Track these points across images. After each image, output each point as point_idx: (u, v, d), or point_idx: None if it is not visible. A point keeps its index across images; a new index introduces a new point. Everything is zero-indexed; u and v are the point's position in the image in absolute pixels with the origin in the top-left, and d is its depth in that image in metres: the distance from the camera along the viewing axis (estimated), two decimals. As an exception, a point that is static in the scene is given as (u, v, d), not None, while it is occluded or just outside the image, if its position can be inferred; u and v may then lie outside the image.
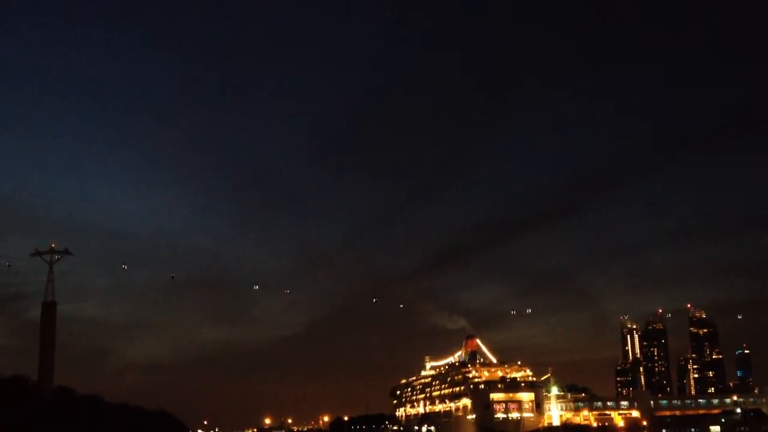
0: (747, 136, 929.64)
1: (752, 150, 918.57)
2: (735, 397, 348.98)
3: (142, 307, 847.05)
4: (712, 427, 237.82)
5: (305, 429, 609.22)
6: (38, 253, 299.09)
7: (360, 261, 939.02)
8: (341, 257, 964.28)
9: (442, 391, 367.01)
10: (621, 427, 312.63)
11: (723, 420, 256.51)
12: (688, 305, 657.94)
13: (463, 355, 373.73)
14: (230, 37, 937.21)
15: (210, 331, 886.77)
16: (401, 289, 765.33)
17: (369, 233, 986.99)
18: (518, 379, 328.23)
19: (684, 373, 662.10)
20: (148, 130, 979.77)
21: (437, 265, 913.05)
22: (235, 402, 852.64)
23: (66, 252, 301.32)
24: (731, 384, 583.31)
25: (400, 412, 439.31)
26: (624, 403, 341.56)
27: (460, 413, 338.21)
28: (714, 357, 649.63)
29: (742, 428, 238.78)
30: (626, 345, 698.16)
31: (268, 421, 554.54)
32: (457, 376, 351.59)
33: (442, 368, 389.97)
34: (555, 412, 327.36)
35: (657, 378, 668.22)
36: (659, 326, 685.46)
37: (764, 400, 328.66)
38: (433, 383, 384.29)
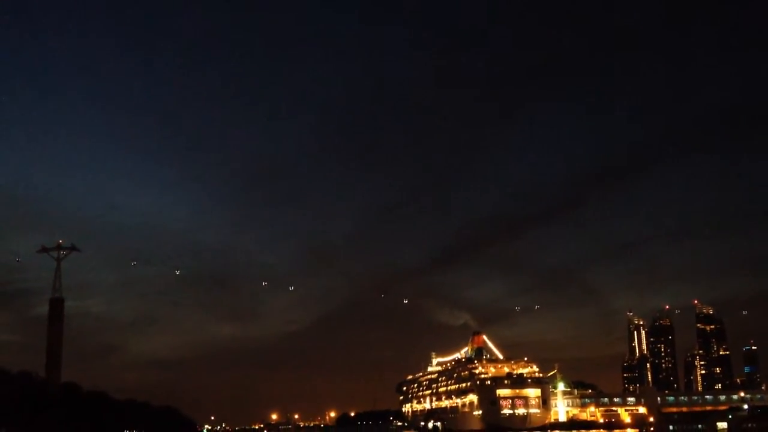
0: (753, 133, 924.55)
1: (759, 145, 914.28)
2: (742, 394, 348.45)
3: (149, 304, 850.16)
4: (719, 424, 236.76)
5: (312, 425, 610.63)
6: (45, 250, 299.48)
7: (366, 257, 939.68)
8: (347, 254, 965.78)
9: (449, 387, 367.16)
10: (627, 424, 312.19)
11: (730, 416, 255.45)
12: (695, 301, 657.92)
13: (470, 351, 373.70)
14: (235, 35, 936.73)
15: (217, 328, 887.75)
16: (407, 285, 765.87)
17: (374, 230, 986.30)
18: (525, 375, 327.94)
19: (691, 369, 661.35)
20: (155, 127, 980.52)
21: (443, 261, 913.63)
22: (242, 398, 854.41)
23: (73, 248, 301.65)
24: (738, 380, 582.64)
25: (407, 408, 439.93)
26: (631, 399, 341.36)
27: (466, 409, 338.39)
28: (721, 353, 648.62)
29: (750, 424, 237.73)
30: (633, 341, 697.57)
31: (274, 416, 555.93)
32: (464, 372, 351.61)
33: (448, 364, 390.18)
34: (561, 408, 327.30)
35: (664, 374, 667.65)
36: (666, 322, 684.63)
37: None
38: (440, 379, 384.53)
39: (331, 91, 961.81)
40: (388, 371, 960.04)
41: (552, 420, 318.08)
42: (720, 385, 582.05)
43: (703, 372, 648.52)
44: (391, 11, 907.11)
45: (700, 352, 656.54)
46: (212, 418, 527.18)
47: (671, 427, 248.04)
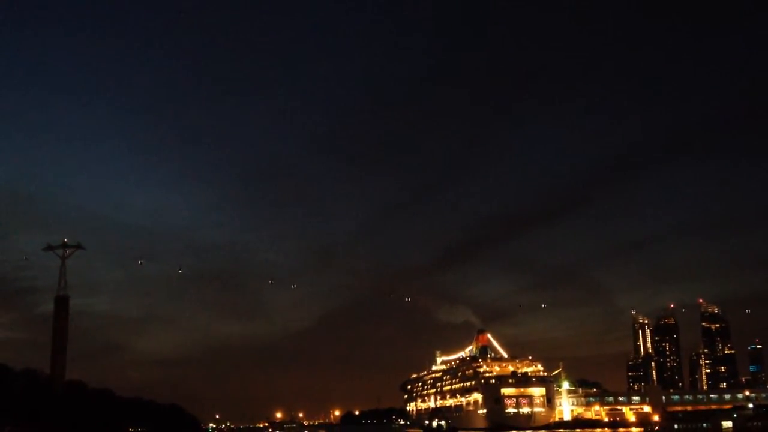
0: (759, 132, 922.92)
1: (765, 145, 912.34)
2: (747, 392, 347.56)
3: (154, 302, 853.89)
4: (724, 423, 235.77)
5: (316, 423, 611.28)
6: (50, 248, 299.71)
7: (370, 256, 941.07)
8: (351, 252, 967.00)
9: (453, 386, 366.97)
10: (632, 422, 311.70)
11: (735, 415, 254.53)
12: (700, 300, 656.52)
13: (474, 349, 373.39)
14: (239, 34, 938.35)
15: (221, 326, 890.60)
16: (411, 284, 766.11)
17: (379, 228, 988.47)
18: (529, 374, 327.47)
19: (696, 368, 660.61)
20: (159, 126, 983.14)
21: (447, 260, 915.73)
22: (246, 396, 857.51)
23: (78, 246, 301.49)
24: (743, 379, 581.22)
25: (411, 407, 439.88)
26: (635, 398, 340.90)
27: (471, 408, 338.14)
28: (726, 352, 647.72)
29: (755, 423, 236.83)
30: (638, 340, 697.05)
31: (279, 415, 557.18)
32: (468, 370, 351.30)
33: (453, 363, 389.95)
34: (566, 406, 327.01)
35: (669, 373, 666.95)
36: (671, 321, 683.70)
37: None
38: (444, 378, 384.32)
39: (336, 90, 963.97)
40: (392, 370, 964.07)
41: (557, 419, 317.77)
42: (725, 383, 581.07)
43: (708, 371, 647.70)
44: (395, 10, 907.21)
45: (705, 350, 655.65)
46: (217, 416, 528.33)
47: (676, 426, 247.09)
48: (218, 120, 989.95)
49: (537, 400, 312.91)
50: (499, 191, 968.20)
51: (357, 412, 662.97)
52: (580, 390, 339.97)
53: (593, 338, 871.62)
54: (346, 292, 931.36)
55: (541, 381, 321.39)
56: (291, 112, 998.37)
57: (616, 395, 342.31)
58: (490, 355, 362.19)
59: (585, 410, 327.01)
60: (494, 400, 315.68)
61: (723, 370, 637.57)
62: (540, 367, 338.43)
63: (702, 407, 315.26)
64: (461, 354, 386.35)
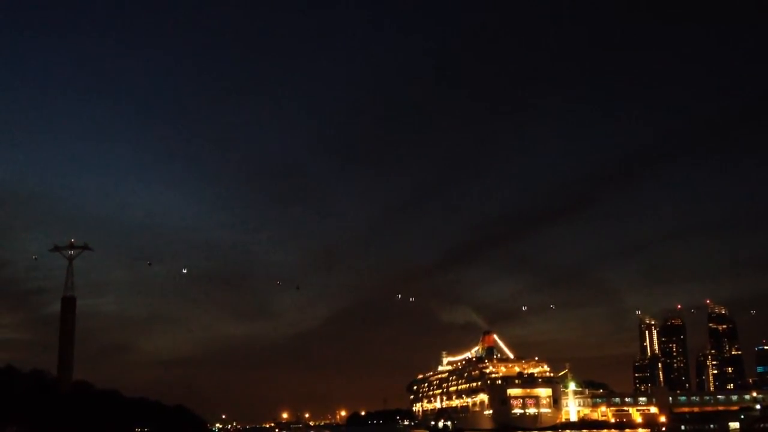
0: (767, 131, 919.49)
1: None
2: (755, 394, 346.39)
3: (161, 302, 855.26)
4: (731, 424, 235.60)
5: (323, 423, 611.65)
6: (57, 249, 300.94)
7: (376, 256, 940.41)
8: (357, 253, 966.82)
9: (459, 387, 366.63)
10: (639, 424, 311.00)
11: (742, 416, 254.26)
12: (707, 301, 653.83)
13: (480, 350, 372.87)
14: (245, 34, 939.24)
15: (228, 327, 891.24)
16: (417, 284, 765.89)
17: (385, 229, 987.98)
18: (535, 375, 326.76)
19: (703, 369, 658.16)
20: (166, 127, 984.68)
21: (453, 260, 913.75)
22: (253, 397, 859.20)
23: (85, 247, 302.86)
24: (751, 380, 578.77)
25: (417, 407, 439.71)
26: (642, 399, 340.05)
27: (477, 408, 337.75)
28: (733, 353, 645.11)
29: (762, 424, 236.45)
30: (644, 341, 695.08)
31: (285, 415, 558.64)
32: (474, 371, 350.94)
33: (459, 363, 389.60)
34: (572, 407, 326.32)
35: (675, 374, 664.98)
36: (678, 322, 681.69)
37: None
38: (450, 378, 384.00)
39: (341, 90, 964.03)
40: (398, 370, 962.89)
41: (563, 420, 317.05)
42: (732, 385, 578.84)
43: (715, 372, 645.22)
44: (398, 9, 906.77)
45: (712, 351, 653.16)
46: (223, 416, 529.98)
47: (683, 427, 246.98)
48: (223, 120, 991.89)
49: (543, 401, 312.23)
50: (505, 191, 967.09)
51: (363, 413, 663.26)
52: (587, 391, 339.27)
53: (600, 339, 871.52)
54: (351, 293, 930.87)
55: (547, 382, 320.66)
56: (296, 112, 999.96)
57: (622, 396, 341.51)
58: (497, 355, 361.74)
59: (591, 411, 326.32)
60: (500, 401, 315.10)
61: (730, 371, 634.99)
62: (546, 367, 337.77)
63: (709, 408, 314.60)
64: (467, 355, 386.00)
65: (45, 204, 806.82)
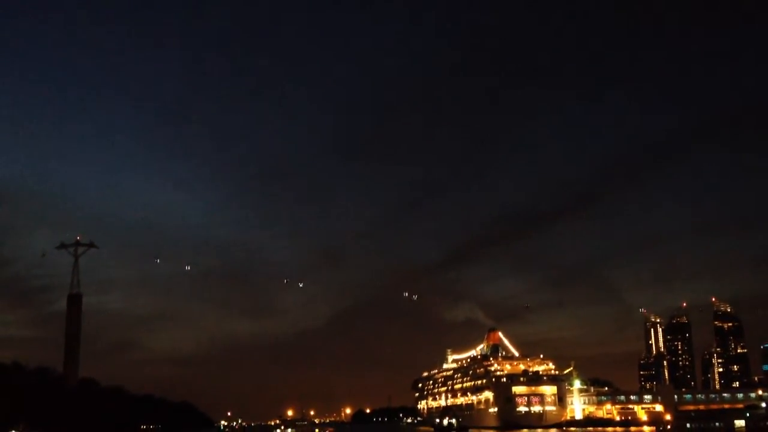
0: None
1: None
2: (760, 392, 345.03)
3: (166, 300, 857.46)
4: (736, 422, 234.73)
5: (327, 421, 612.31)
6: (64, 246, 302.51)
7: (381, 254, 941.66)
8: (362, 250, 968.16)
9: (464, 384, 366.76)
10: (644, 422, 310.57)
11: (748, 414, 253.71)
12: (713, 299, 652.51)
13: (485, 348, 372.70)
14: (250, 32, 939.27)
15: (233, 324, 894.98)
16: (422, 282, 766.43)
17: (390, 226, 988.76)
18: (540, 373, 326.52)
19: (708, 367, 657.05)
20: (173, 123, 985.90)
21: (458, 258, 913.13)
22: (258, 394, 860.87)
23: (91, 245, 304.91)
24: (756, 378, 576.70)
25: (422, 405, 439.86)
26: (647, 397, 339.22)
27: (482, 406, 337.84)
28: (739, 351, 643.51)
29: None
30: (650, 339, 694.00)
31: (290, 412, 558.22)
32: (479, 369, 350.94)
33: (464, 361, 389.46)
34: (577, 405, 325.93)
35: (681, 372, 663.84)
36: (683, 320, 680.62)
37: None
38: (455, 376, 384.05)
39: (345, 88, 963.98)
40: (403, 368, 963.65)
41: (568, 417, 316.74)
42: (737, 383, 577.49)
43: (721, 370, 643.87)
44: (404, 6, 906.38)
45: (718, 349, 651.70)
46: (228, 413, 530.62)
47: (688, 425, 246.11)
48: (228, 119, 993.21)
49: (548, 399, 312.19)
50: (509, 190, 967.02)
51: (368, 411, 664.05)
52: (592, 389, 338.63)
53: (605, 337, 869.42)
54: (356, 291, 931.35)
55: (552, 380, 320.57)
56: (301, 111, 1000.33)
57: (627, 394, 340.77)
58: (502, 353, 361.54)
59: (596, 409, 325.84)
60: (505, 399, 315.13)
61: (736, 369, 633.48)
62: (551, 365, 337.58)
63: (714, 406, 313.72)
64: (472, 352, 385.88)
65: (50, 202, 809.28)
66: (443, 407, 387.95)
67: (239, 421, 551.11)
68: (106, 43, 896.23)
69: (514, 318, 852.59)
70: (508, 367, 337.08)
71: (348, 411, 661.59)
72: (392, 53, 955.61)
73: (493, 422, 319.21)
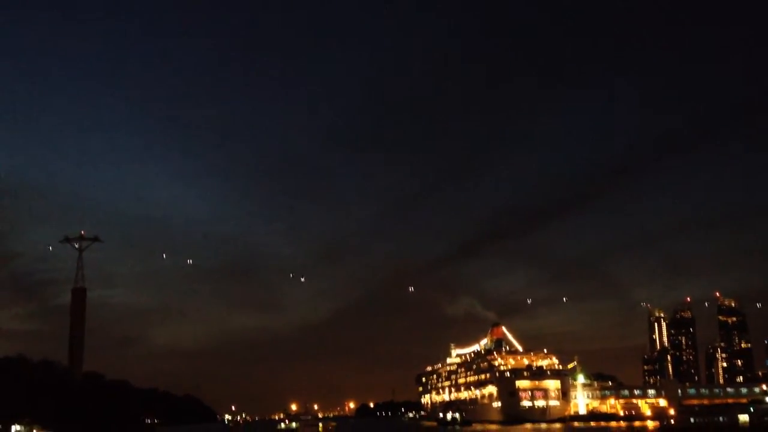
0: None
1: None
2: (764, 386, 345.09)
3: (171, 294, 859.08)
4: (740, 416, 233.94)
5: (331, 415, 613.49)
6: (68, 240, 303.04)
7: (385, 249, 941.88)
8: (366, 245, 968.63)
9: (468, 379, 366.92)
10: (648, 416, 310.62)
11: (752, 409, 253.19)
12: (717, 293, 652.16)
13: (489, 342, 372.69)
14: (255, 30, 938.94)
15: (238, 318, 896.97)
16: (426, 277, 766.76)
17: (394, 221, 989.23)
18: (544, 367, 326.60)
19: (712, 361, 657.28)
20: (177, 120, 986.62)
21: (462, 253, 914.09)
22: (262, 388, 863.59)
23: (95, 239, 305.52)
24: (760, 373, 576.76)
25: (426, 399, 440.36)
26: (651, 391, 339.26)
27: (485, 401, 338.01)
28: (743, 346, 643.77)
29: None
30: (653, 333, 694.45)
31: (294, 407, 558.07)
32: (483, 363, 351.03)
33: (467, 356, 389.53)
34: (581, 400, 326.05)
35: (685, 367, 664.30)
36: (687, 314, 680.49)
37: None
38: (459, 371, 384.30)
39: (349, 84, 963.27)
40: (407, 362, 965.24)
41: (572, 412, 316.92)
42: (741, 377, 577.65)
43: (725, 365, 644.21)
44: (405, 4, 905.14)
45: (722, 344, 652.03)
46: (233, 408, 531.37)
47: (692, 420, 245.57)
48: (235, 115, 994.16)
49: (552, 394, 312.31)
50: (514, 184, 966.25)
51: (372, 405, 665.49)
52: (596, 383, 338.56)
53: (609, 331, 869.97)
54: (361, 285, 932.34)
55: (556, 374, 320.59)
56: (305, 105, 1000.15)
57: (631, 389, 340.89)
58: (505, 348, 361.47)
59: (600, 403, 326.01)
60: (509, 393, 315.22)
61: (739, 363, 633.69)
62: (555, 360, 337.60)
63: (718, 401, 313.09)
64: (476, 347, 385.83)
65: (55, 196, 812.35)
66: (447, 401, 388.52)
67: (243, 415, 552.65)
68: (111, 39, 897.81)
69: (518, 312, 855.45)
70: (511, 362, 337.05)
71: (352, 405, 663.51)
72: (397, 49, 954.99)
73: (496, 417, 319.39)
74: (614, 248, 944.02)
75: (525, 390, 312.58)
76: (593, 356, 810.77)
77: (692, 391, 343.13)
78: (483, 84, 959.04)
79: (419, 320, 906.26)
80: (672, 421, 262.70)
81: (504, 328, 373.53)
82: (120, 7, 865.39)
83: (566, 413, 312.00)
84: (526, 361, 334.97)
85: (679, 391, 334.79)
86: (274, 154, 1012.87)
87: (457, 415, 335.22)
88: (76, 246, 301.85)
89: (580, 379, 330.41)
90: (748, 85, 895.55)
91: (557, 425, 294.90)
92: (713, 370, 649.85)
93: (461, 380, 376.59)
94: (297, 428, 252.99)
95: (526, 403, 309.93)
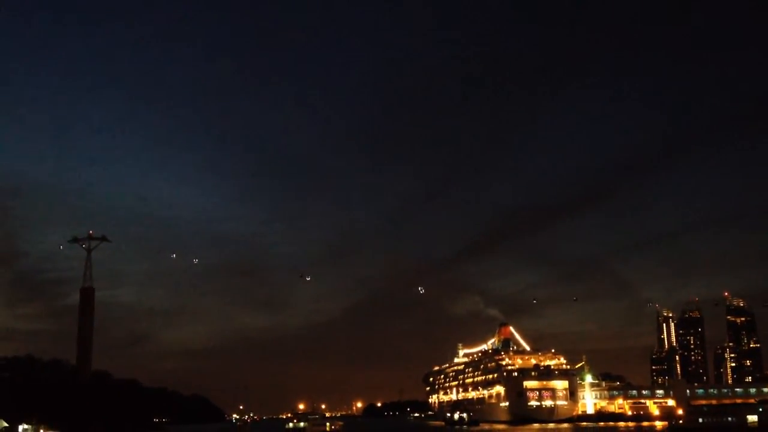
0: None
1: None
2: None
3: (179, 293, 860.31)
4: (749, 417, 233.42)
5: (339, 414, 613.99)
6: (76, 240, 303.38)
7: (393, 249, 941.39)
8: (374, 245, 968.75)
9: (475, 378, 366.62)
10: (656, 416, 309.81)
11: (761, 409, 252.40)
12: (726, 293, 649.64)
13: (497, 342, 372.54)
14: (261, 27, 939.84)
15: (246, 318, 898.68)
16: (434, 276, 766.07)
17: (402, 221, 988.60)
18: (552, 367, 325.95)
19: (721, 361, 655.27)
20: (183, 120, 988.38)
21: (470, 252, 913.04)
22: (270, 387, 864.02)
23: (103, 239, 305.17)
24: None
25: (433, 399, 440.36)
26: (659, 391, 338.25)
27: (493, 400, 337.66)
28: (752, 346, 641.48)
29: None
30: (662, 333, 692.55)
31: (302, 406, 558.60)
32: (491, 363, 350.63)
33: (475, 355, 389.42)
34: (589, 400, 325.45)
35: (693, 367, 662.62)
36: (696, 314, 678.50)
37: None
38: (466, 370, 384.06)
39: (356, 83, 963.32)
40: (414, 362, 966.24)
41: (579, 412, 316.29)
42: (750, 377, 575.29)
43: (733, 365, 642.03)
44: (415, 5, 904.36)
45: (730, 344, 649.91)
46: (241, 407, 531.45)
47: (700, 420, 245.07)
48: (241, 114, 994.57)
49: (560, 393, 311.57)
50: (522, 184, 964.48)
51: (379, 404, 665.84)
52: (604, 383, 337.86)
53: (617, 331, 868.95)
54: (368, 285, 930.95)
55: (563, 374, 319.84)
56: (312, 104, 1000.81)
57: (639, 389, 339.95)
58: (513, 347, 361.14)
59: (608, 403, 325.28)
60: (516, 393, 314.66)
61: (748, 364, 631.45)
62: (563, 360, 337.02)
63: (727, 401, 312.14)
64: (484, 347, 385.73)
65: (63, 196, 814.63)
66: (454, 401, 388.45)
67: (251, 414, 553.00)
68: (114, 38, 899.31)
69: (525, 312, 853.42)
70: (519, 362, 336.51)
71: (359, 405, 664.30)
72: (406, 48, 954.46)
73: (504, 416, 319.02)
74: (622, 248, 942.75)
75: (533, 390, 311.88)
76: (601, 356, 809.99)
77: (701, 391, 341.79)
78: (491, 84, 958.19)
79: (427, 320, 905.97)
80: (680, 422, 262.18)
81: (511, 328, 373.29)
82: (120, 7, 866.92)
83: (574, 413, 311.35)
84: (533, 361, 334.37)
85: (688, 391, 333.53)
86: (280, 154, 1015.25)
87: (464, 414, 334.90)
88: (84, 246, 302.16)
89: (588, 379, 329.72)
90: (759, 86, 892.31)
91: (565, 425, 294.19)
92: (722, 370, 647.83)
93: (468, 380, 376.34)
94: (305, 427, 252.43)
95: (533, 403, 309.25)
